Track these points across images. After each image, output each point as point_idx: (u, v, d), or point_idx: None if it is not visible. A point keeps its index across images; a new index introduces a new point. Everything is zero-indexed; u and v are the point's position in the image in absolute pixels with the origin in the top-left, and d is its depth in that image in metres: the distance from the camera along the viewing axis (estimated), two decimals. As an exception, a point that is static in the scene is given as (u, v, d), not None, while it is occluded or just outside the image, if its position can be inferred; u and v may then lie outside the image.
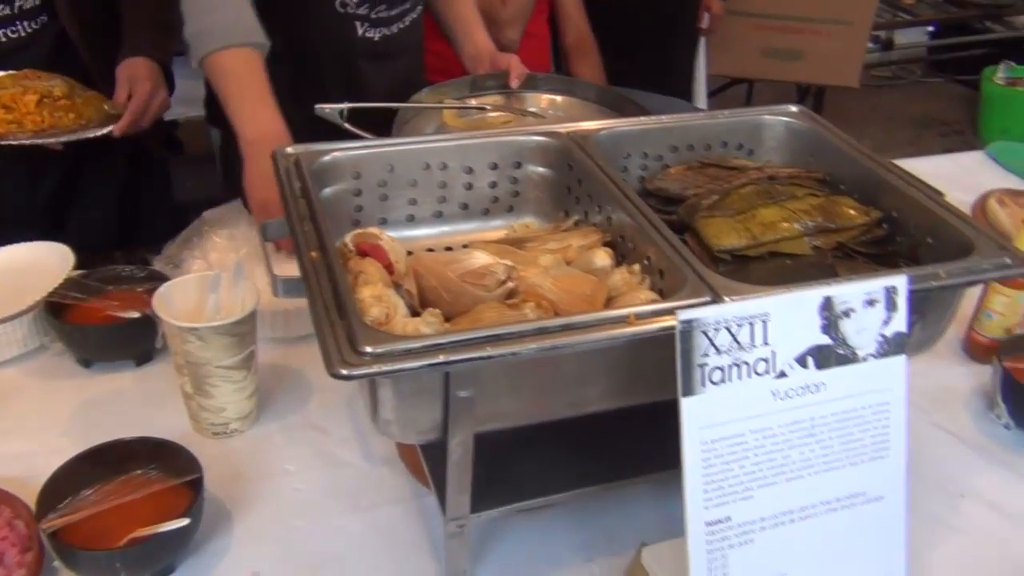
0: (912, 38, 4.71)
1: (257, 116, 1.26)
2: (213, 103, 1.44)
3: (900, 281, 0.84)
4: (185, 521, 0.83)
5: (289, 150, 1.01)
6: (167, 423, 1.03)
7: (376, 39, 1.59)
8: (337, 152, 1.02)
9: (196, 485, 0.88)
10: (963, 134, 4.33)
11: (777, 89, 3.84)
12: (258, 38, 1.30)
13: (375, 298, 0.82)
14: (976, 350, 1.23)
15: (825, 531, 0.85)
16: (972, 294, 1.23)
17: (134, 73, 1.50)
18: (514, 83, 1.57)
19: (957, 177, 1.72)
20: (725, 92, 3.68)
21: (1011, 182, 1.71)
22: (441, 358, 0.72)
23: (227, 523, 0.94)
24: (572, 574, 0.92)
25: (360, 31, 1.56)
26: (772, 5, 3.18)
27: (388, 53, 1.62)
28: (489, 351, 0.74)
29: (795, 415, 0.82)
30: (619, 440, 0.96)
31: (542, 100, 1.62)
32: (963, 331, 1.27)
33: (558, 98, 1.62)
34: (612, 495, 0.99)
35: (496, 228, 1.11)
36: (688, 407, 0.78)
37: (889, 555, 0.88)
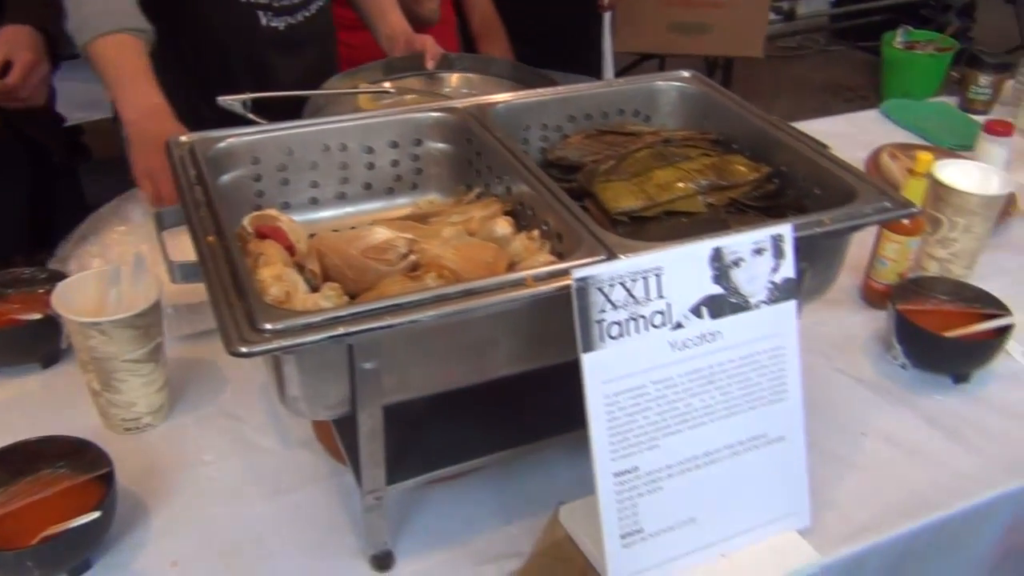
0: (814, 7, 4.83)
1: (135, 97, 1.24)
2: None
3: (785, 229, 0.87)
4: (96, 515, 0.83)
5: (183, 138, 1.00)
6: (78, 423, 1.02)
7: (281, 28, 1.58)
8: (232, 138, 1.01)
9: (107, 479, 0.87)
10: (868, 99, 4.45)
11: (686, 63, 3.91)
12: (133, 23, 1.27)
13: (275, 278, 0.82)
14: (873, 296, 1.28)
15: (730, 474, 0.89)
16: (867, 244, 1.28)
17: (15, 40, 1.44)
18: (429, 64, 1.57)
19: (854, 135, 1.79)
20: (636, 69, 3.73)
21: (902, 137, 1.78)
22: (341, 330, 0.73)
23: (144, 516, 0.93)
24: (491, 537, 0.93)
25: (264, 21, 1.55)
26: (678, -20, 3.23)
27: (296, 43, 1.61)
28: (389, 320, 0.75)
29: (694, 364, 0.85)
30: (532, 403, 0.98)
31: (456, 80, 1.63)
32: (860, 280, 1.32)
33: (473, 77, 1.63)
34: (529, 458, 1.00)
35: (401, 206, 1.12)
36: (589, 363, 0.80)
37: (792, 492, 0.92)
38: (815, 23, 4.92)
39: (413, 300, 0.77)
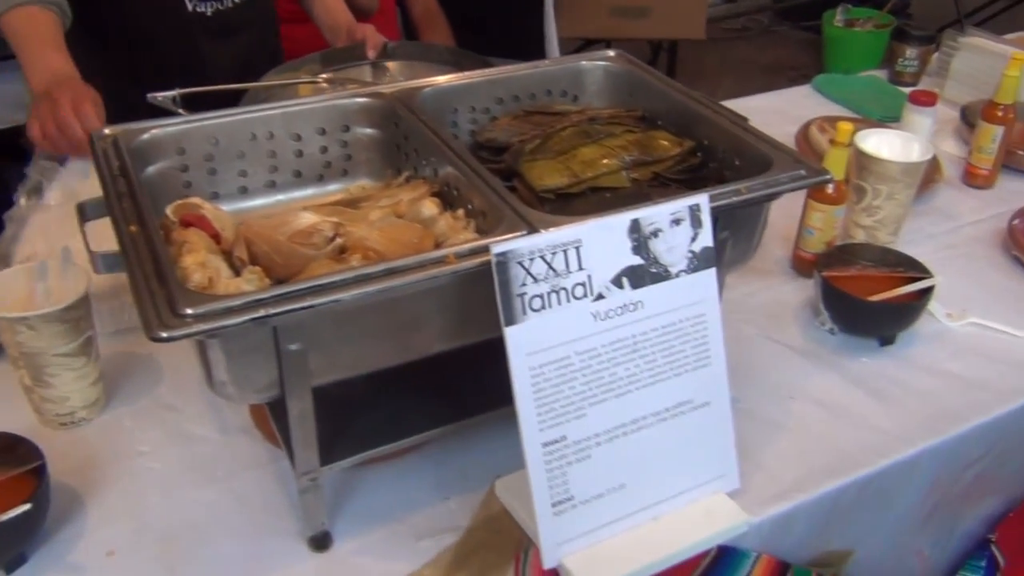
0: (756, -11, 4.90)
1: (43, 65, 1.24)
2: None
3: (702, 199, 0.90)
4: (27, 507, 0.83)
5: (107, 131, 1.00)
6: (13, 420, 1.01)
7: (209, 14, 1.56)
8: (156, 129, 1.01)
9: (39, 473, 0.87)
10: (811, 77, 4.53)
11: (631, 47, 3.94)
12: None
13: (198, 264, 0.82)
14: (802, 266, 1.32)
15: (658, 440, 0.91)
16: (796, 215, 1.31)
17: None
18: (371, 54, 1.57)
19: (786, 110, 1.82)
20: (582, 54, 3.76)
21: (834, 110, 1.81)
22: (261, 312, 0.74)
23: (80, 509, 0.94)
24: (430, 513, 0.95)
25: (191, 6, 1.54)
26: (616, -35, 3.25)
27: (227, 29, 1.60)
28: (310, 301, 0.76)
29: (617, 334, 0.87)
30: (469, 379, 0.99)
31: (396, 68, 1.63)
32: (791, 250, 1.35)
33: (415, 64, 1.63)
34: (467, 434, 1.02)
35: (333, 192, 1.12)
36: (512, 335, 0.82)
37: (720, 455, 0.95)
38: (758, 4, 4.98)
39: (334, 280, 0.78)
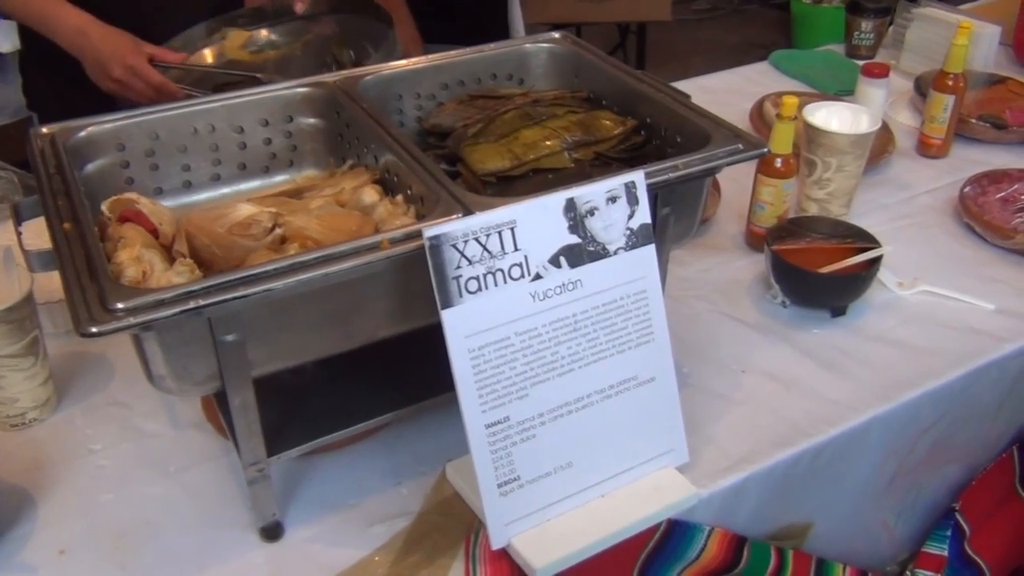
0: (724, -31, 4.90)
1: (61, 25, 1.36)
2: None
3: (637, 176, 0.90)
4: (-29, 508, 0.83)
5: (44, 129, 0.99)
6: (-37, 424, 1.01)
7: None
8: (93, 127, 1.01)
9: (-15, 474, 0.87)
10: (781, 56, 4.55)
11: (600, 30, 3.94)
12: None
13: (132, 259, 0.82)
14: (754, 240, 1.32)
15: (604, 417, 0.91)
16: (750, 190, 1.32)
17: None
18: (298, 7, 1.56)
19: (743, 87, 1.83)
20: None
21: (790, 86, 1.82)
22: (192, 304, 0.74)
23: (31, 509, 0.93)
24: (382, 499, 0.95)
25: None
26: (579, -51, 3.25)
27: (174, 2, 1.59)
28: (243, 291, 0.76)
29: (557, 313, 0.87)
30: (418, 363, 0.98)
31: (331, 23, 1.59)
32: (744, 226, 1.36)
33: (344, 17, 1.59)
34: (419, 418, 1.02)
35: (280, 183, 1.12)
36: (449, 318, 0.82)
37: (668, 430, 0.95)
38: (728, -16, 4.99)
39: (267, 270, 0.78)
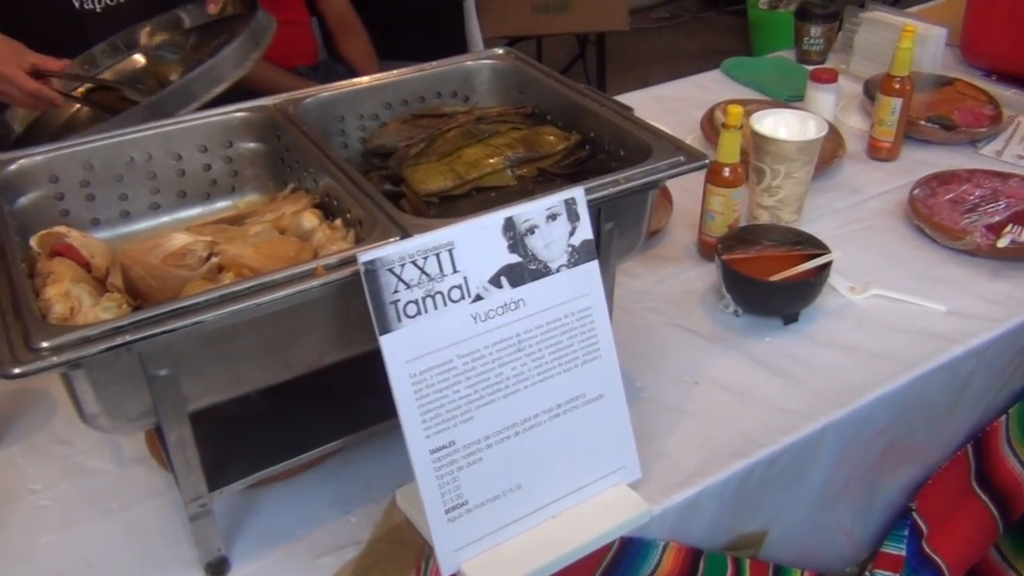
0: (681, -23, 4.94)
1: None
2: None
3: (577, 192, 0.89)
4: (-101, 558, 0.80)
5: (-27, 164, 0.97)
6: (-101, 468, 0.98)
7: (99, 10, 1.54)
8: (24, 159, 0.98)
9: (-84, 521, 0.85)
10: (741, 61, 4.58)
11: (559, 41, 3.95)
12: None
13: (60, 295, 0.80)
14: (706, 250, 1.32)
15: (553, 437, 0.90)
16: (699, 200, 1.31)
17: None
18: (211, 8, 1.53)
19: (696, 96, 1.83)
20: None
21: (743, 93, 1.83)
22: (119, 340, 0.72)
23: (-32, 555, 0.91)
24: (330, 529, 0.93)
25: (77, 4, 1.51)
26: (534, -38, 3.26)
27: (121, 25, 1.57)
28: (172, 324, 0.74)
29: (499, 334, 0.86)
30: (363, 389, 0.97)
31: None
32: (696, 236, 1.35)
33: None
34: (368, 445, 1.01)
35: (222, 210, 1.10)
36: (388, 344, 0.81)
37: (619, 447, 0.94)
38: (684, -9, 5.03)
39: (198, 301, 0.76)
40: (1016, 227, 1.34)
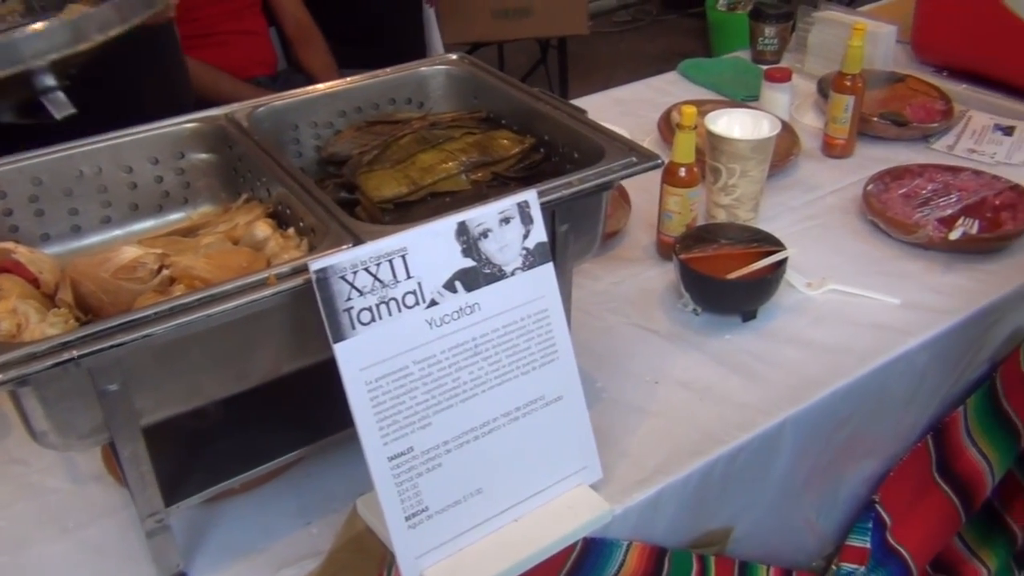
0: (641, -20, 4.98)
1: None
2: None
3: (530, 195, 0.89)
4: None
5: (-84, 181, 0.96)
6: None
7: None
8: (-31, 175, 0.97)
9: None
10: (701, 63, 4.62)
11: (521, 46, 3.96)
12: None
13: (7, 312, 0.79)
14: (665, 250, 1.33)
15: (512, 440, 0.90)
16: (657, 200, 1.32)
17: None
18: None
19: (654, 98, 1.84)
20: (474, 57, 3.76)
21: (700, 94, 1.84)
22: (66, 355, 0.71)
23: (-80, 580, 0.89)
24: (291, 540, 0.93)
25: None
26: (493, -31, 3.26)
27: None
28: (120, 339, 0.73)
29: (456, 338, 0.86)
30: (322, 398, 0.96)
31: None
32: (655, 236, 1.36)
33: None
34: (327, 454, 1.00)
35: (175, 222, 1.09)
36: (342, 352, 0.80)
37: (579, 448, 0.95)
38: (644, -5, 5.07)
39: (147, 314, 0.75)
40: (968, 220, 1.36)
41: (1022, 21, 1.68)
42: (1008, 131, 1.66)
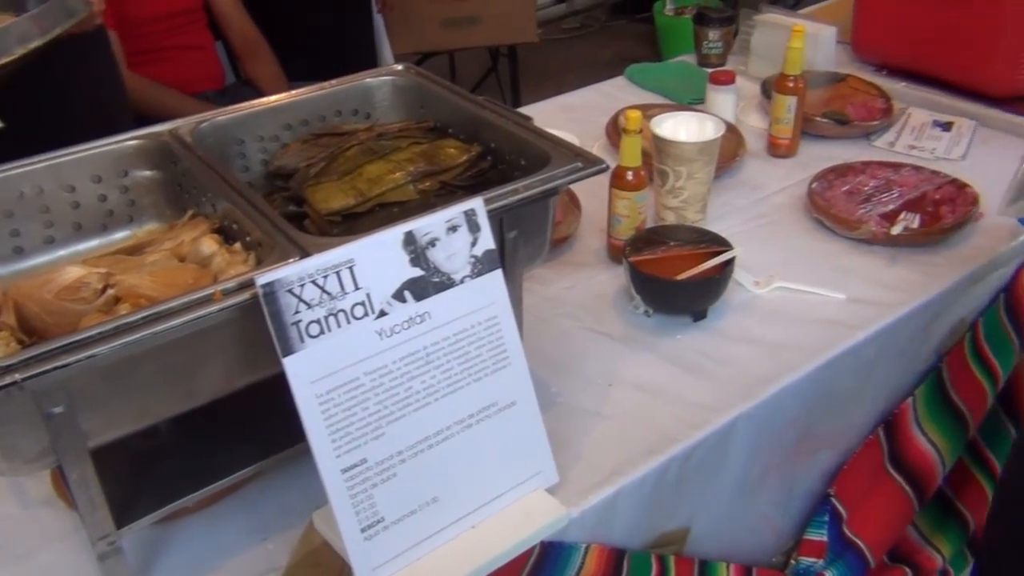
0: (589, -13, 5.02)
1: None
2: None
3: (476, 203, 0.90)
4: None
5: None
6: None
7: None
8: (-95, 199, 0.95)
9: None
10: (652, 67, 4.67)
11: (472, 55, 3.97)
12: None
13: (-54, 337, 0.78)
14: (616, 254, 1.34)
15: (467, 447, 0.90)
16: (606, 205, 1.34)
17: None
18: None
19: (602, 103, 1.86)
20: (424, 67, 3.76)
21: (646, 98, 1.86)
22: (8, 379, 0.70)
23: None
24: (247, 558, 0.92)
25: None
26: (441, -23, 3.27)
27: None
28: (63, 360, 0.72)
29: (406, 348, 0.86)
30: (274, 412, 0.95)
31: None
32: (606, 240, 1.37)
33: None
34: (283, 468, 0.99)
35: (121, 240, 1.08)
36: (292, 366, 0.80)
37: (534, 452, 0.95)
38: (593, 1, 5.10)
39: (90, 335, 0.74)
40: (909, 214, 1.39)
41: (957, 19, 1.72)
42: (946, 127, 1.70)
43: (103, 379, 0.77)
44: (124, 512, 0.86)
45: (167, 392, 0.83)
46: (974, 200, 1.41)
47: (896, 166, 1.51)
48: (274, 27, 2.59)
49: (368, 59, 2.97)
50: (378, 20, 3.05)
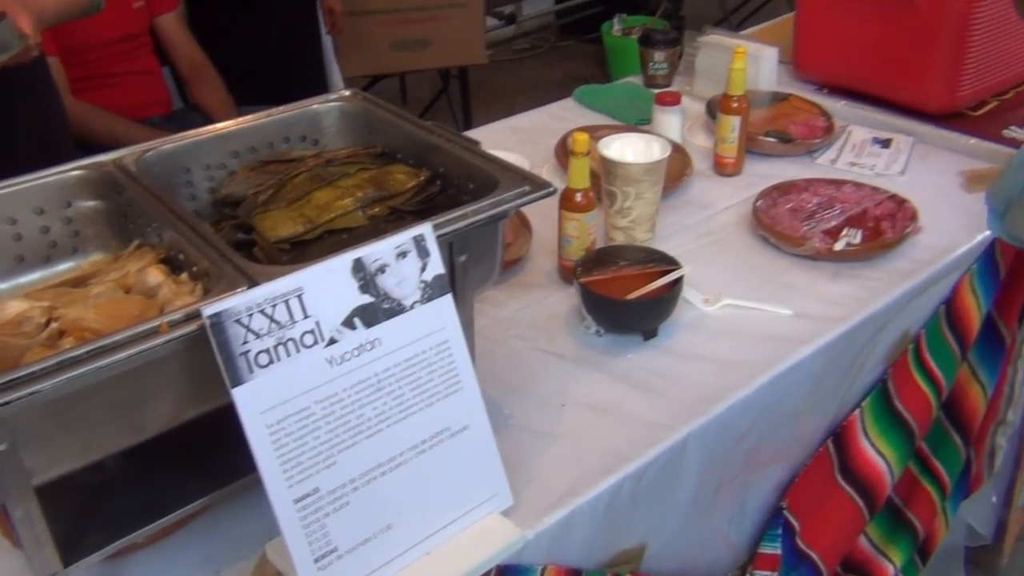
0: (537, 8, 5.06)
1: None
2: None
3: (425, 228, 0.90)
4: None
5: None
6: None
7: None
8: None
9: None
10: (601, 87, 4.72)
11: (422, 77, 3.99)
12: None
13: None
14: (567, 274, 1.35)
15: (420, 473, 0.90)
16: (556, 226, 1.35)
17: None
18: None
19: (550, 124, 1.88)
20: (372, 91, 3.76)
21: (594, 119, 1.88)
22: (-54, 418, 0.69)
23: None
24: (199, 592, 0.91)
25: None
26: (390, 1, 3.28)
27: None
28: (4, 397, 0.71)
29: (357, 375, 0.86)
30: (224, 444, 0.93)
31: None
32: (557, 261, 1.39)
33: None
34: (234, 500, 0.98)
35: (64, 272, 1.06)
36: (241, 396, 0.79)
37: (488, 476, 0.95)
38: (542, 23, 5.15)
39: (32, 371, 0.73)
40: (851, 230, 1.43)
41: (895, 39, 1.77)
42: (885, 143, 1.75)
43: (47, 415, 0.76)
44: (71, 549, 0.84)
45: (114, 427, 0.82)
46: (913, 215, 1.45)
47: (838, 183, 1.55)
48: (221, 51, 2.58)
49: (318, 82, 2.97)
50: (327, 42, 3.05)
